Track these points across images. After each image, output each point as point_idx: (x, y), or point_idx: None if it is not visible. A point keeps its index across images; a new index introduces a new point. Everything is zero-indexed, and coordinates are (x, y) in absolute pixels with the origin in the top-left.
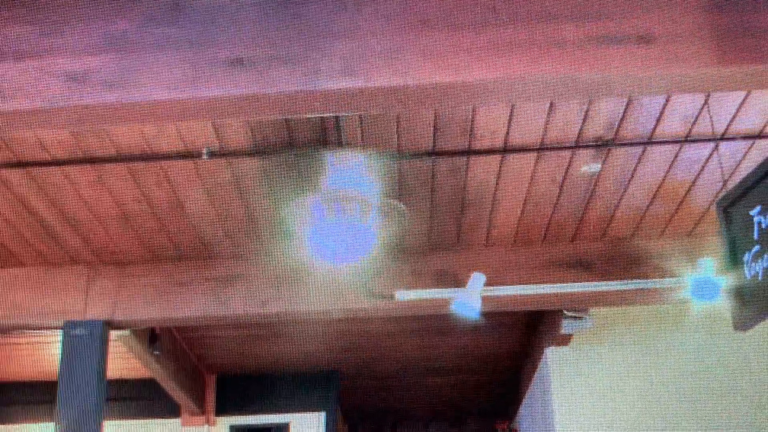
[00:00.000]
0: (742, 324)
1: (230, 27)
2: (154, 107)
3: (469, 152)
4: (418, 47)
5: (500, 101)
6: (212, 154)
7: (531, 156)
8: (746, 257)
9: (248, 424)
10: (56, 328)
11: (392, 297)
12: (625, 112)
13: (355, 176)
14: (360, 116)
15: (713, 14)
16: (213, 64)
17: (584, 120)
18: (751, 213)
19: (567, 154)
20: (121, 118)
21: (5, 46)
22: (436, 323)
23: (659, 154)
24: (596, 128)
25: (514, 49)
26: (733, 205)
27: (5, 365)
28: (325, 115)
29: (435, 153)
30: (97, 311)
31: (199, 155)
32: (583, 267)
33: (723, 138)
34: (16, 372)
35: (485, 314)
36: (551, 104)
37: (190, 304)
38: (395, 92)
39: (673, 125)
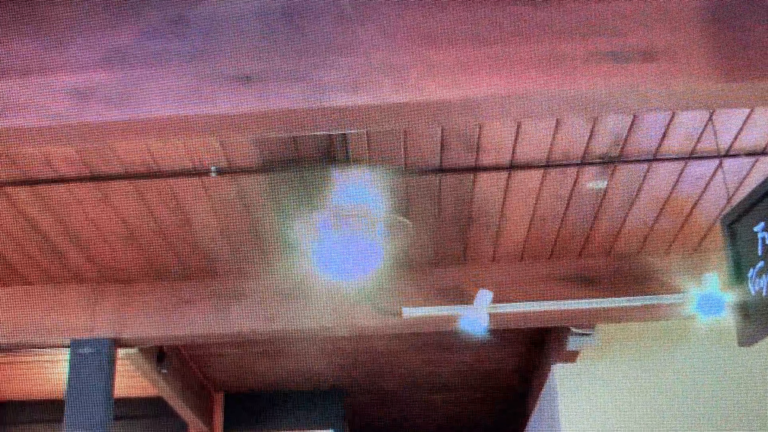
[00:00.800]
0: (746, 339)
1: (236, 42)
2: (159, 124)
3: (476, 168)
4: (424, 63)
5: (506, 118)
6: (219, 171)
7: (537, 172)
8: (750, 273)
9: None
10: (63, 346)
11: (398, 313)
12: (630, 128)
13: (361, 192)
14: (367, 133)
15: (718, 30)
16: (219, 79)
17: (590, 137)
18: (755, 229)
19: (573, 170)
20: (127, 134)
21: (9, 62)
22: (442, 340)
23: (664, 171)
24: (602, 145)
25: (519, 66)
26: (737, 221)
27: (11, 384)
28: (331, 132)
29: (441, 169)
30: (104, 329)
31: (205, 172)
32: (590, 283)
33: (727, 155)
34: (23, 391)
35: (491, 331)
36: (557, 121)
37: (196, 322)
38: (401, 108)
39: (677, 142)
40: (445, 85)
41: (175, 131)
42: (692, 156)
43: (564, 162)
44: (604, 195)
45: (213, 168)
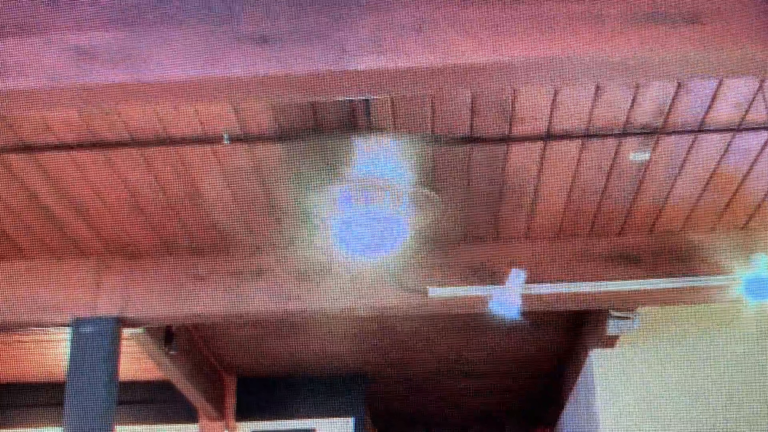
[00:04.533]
0: None
1: (253, 1)
2: (169, 86)
3: (509, 138)
4: (454, 23)
5: (542, 83)
6: (233, 139)
7: (575, 143)
8: None
9: (271, 430)
10: (64, 325)
11: (424, 293)
12: (674, 97)
13: (385, 163)
14: (391, 98)
15: None
16: (234, 40)
17: (632, 105)
18: None
19: (614, 141)
20: (134, 97)
21: (8, 20)
22: (472, 322)
23: (711, 143)
24: (644, 114)
25: (558, 27)
26: None
27: (10, 365)
28: (353, 97)
29: (472, 139)
30: (108, 307)
31: (218, 140)
32: (631, 262)
33: None
34: (22, 372)
35: (524, 313)
36: (597, 88)
37: (208, 301)
38: (429, 72)
39: (725, 112)
40: (477, 47)
41: (186, 95)
42: (741, 127)
43: (604, 132)
44: (647, 168)
45: (226, 135)
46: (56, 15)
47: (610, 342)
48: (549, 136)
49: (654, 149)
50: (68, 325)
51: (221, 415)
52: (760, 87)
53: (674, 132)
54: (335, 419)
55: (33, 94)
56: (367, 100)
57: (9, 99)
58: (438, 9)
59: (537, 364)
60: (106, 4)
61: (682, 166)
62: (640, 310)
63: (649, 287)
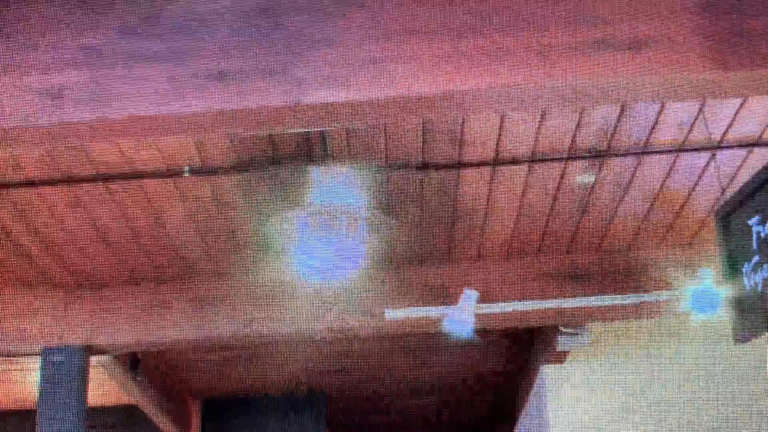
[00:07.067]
0: (742, 336)
1: (211, 39)
2: (132, 123)
3: (459, 164)
4: (404, 57)
5: (490, 111)
6: (194, 171)
7: (523, 167)
8: (745, 268)
9: None
10: (34, 354)
11: (381, 315)
12: (618, 120)
13: (342, 190)
14: (346, 129)
15: (708, 18)
16: (193, 77)
17: (577, 129)
18: (750, 222)
19: (560, 164)
20: (99, 135)
21: None
22: (427, 342)
23: (655, 164)
24: (589, 138)
25: (503, 57)
26: (731, 214)
27: None
28: (309, 129)
29: (424, 165)
30: (76, 336)
31: (179, 173)
32: (579, 280)
33: (720, 146)
34: None
35: (478, 332)
36: (543, 113)
37: (172, 327)
38: (381, 104)
39: (668, 133)
40: (426, 79)
41: (149, 131)
42: (683, 148)
43: (550, 156)
44: (593, 189)
45: (186, 168)
46: (23, 58)
47: (561, 358)
48: (497, 161)
49: (599, 171)
50: (39, 354)
51: None
52: (701, 109)
53: (619, 154)
54: None
55: (6, 134)
56: (323, 131)
57: None
58: (388, 44)
59: (490, 381)
60: (72, 47)
61: (627, 187)
62: (589, 326)
63: (597, 304)
